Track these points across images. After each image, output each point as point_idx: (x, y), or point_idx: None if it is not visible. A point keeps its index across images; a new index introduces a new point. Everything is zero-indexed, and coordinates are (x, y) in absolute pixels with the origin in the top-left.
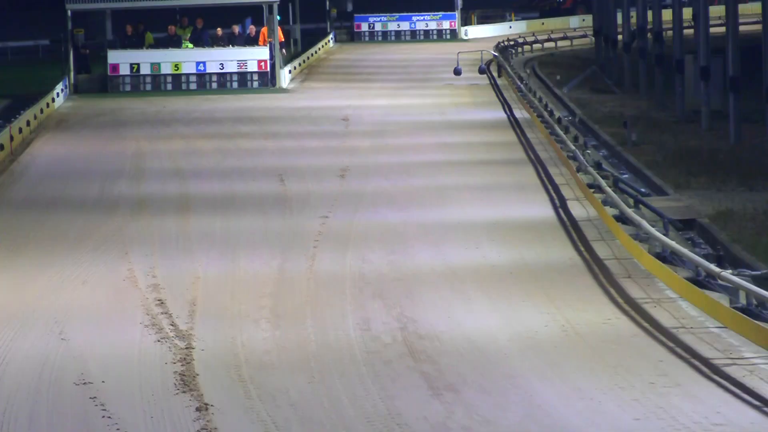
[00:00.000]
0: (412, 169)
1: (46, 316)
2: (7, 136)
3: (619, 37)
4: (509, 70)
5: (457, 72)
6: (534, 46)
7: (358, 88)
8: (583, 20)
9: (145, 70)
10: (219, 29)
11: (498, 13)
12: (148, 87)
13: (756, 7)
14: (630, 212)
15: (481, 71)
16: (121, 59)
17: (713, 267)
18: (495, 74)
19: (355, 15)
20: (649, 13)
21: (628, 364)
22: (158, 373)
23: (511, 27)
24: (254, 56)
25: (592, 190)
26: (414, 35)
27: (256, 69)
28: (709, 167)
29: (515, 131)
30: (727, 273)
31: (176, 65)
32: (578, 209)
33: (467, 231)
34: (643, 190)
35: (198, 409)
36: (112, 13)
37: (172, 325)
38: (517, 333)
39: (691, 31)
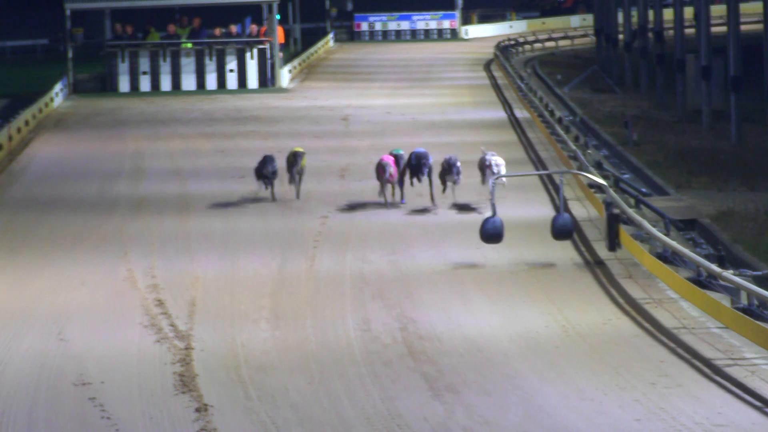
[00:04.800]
0: None
1: (44, 317)
2: (5, 136)
3: (620, 36)
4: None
5: (490, 235)
6: (535, 45)
7: (358, 88)
8: (584, 19)
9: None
10: (217, 30)
11: (498, 13)
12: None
13: (757, 7)
14: (631, 212)
15: (562, 232)
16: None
17: (714, 267)
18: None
19: (355, 14)
20: (651, 13)
21: (629, 365)
22: (157, 374)
23: (511, 26)
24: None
25: (592, 190)
26: (414, 35)
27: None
28: (710, 167)
29: (516, 131)
30: (728, 273)
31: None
32: (579, 209)
33: (467, 231)
34: (644, 189)
35: (197, 410)
36: (111, 12)
37: (171, 325)
38: (518, 333)
39: (693, 30)
